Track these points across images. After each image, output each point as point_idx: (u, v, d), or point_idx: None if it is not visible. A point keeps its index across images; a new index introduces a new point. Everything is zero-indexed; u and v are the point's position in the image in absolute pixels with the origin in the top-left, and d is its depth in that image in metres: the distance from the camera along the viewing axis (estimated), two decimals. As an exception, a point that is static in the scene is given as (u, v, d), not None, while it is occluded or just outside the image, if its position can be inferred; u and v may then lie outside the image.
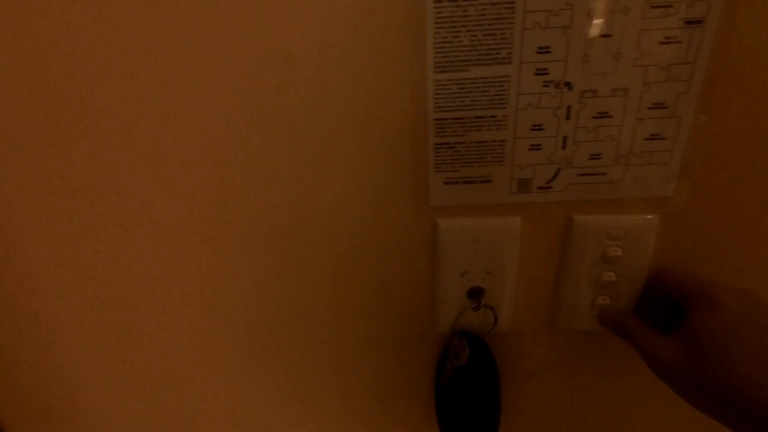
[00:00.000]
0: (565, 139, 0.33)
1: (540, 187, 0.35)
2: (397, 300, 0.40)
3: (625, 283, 0.37)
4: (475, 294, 0.37)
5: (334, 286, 0.40)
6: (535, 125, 0.32)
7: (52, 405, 0.48)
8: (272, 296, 0.40)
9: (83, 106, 0.33)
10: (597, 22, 0.29)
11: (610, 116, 0.32)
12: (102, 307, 0.41)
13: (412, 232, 0.37)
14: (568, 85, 0.31)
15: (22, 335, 0.43)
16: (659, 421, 0.44)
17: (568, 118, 0.32)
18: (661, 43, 0.30)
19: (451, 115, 0.32)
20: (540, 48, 0.30)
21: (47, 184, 0.36)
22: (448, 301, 0.38)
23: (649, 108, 0.32)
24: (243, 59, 0.31)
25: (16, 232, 0.38)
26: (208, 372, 0.44)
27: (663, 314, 0.36)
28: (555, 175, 0.34)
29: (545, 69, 0.31)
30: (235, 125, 0.33)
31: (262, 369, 0.44)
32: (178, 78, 0.32)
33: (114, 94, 0.33)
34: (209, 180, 0.35)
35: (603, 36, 0.30)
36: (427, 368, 0.42)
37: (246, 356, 0.43)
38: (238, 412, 0.47)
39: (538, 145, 0.33)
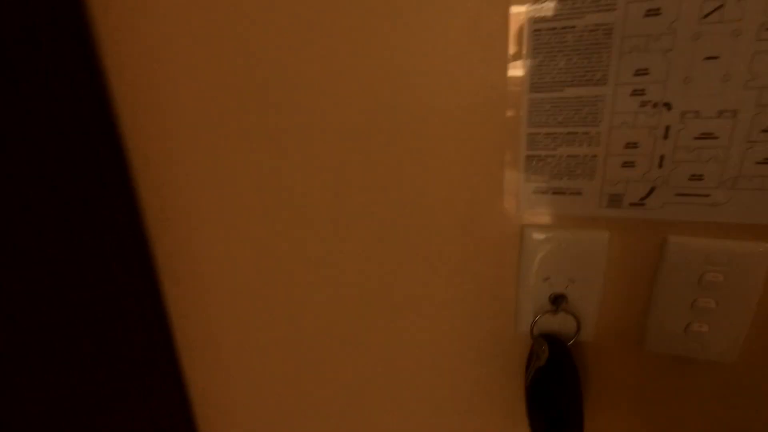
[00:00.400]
0: (662, 158, 0.33)
1: (632, 204, 0.35)
2: (483, 296, 0.44)
3: (727, 313, 0.35)
4: (558, 300, 0.39)
5: (429, 278, 0.45)
6: (629, 143, 0.34)
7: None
8: (376, 285, 0.47)
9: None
10: (703, 45, 0.29)
11: (715, 137, 0.31)
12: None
13: (502, 235, 0.41)
14: (668, 105, 0.32)
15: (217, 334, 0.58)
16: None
17: (666, 137, 0.33)
18: (780, 64, 0.29)
19: (543, 131, 0.35)
20: (638, 70, 0.31)
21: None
22: (529, 303, 0.41)
23: (764, 131, 0.30)
24: (368, 79, 0.39)
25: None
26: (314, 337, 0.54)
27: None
28: (649, 193, 0.34)
29: (642, 90, 0.32)
30: (360, 133, 0.41)
31: (359, 345, 0.51)
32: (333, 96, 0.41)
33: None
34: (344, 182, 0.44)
35: (709, 58, 0.30)
36: (505, 364, 0.45)
37: (348, 336, 0.51)
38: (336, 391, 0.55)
39: (632, 162, 0.34)
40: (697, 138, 0.32)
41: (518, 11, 0.33)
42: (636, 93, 0.32)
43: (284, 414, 0.61)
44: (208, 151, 0.47)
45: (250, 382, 0.61)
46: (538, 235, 0.38)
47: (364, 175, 0.43)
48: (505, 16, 0.33)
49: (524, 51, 0.33)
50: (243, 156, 0.46)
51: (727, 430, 0.40)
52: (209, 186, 0.49)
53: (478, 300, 0.44)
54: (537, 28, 0.32)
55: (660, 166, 0.33)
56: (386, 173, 0.42)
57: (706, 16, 0.29)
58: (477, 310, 0.44)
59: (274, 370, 0.58)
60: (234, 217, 0.50)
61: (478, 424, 0.51)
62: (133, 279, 0.53)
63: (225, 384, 0.62)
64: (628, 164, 0.34)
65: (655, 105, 0.32)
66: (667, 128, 0.32)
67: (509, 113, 0.36)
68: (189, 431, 0.66)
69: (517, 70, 0.34)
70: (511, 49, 0.34)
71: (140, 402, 0.59)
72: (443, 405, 0.51)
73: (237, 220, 0.50)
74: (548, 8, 0.32)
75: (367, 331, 0.50)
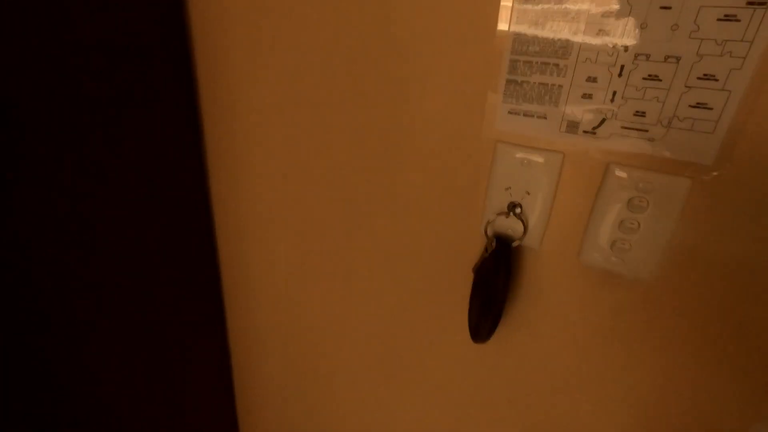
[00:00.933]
0: (614, 93, 0.39)
1: (585, 131, 0.42)
2: (458, 200, 0.53)
3: (646, 235, 0.43)
4: (512, 207, 0.48)
5: (416, 180, 0.54)
6: (590, 77, 0.40)
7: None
8: (375, 180, 0.57)
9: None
10: (661, -5, 0.35)
11: (659, 80, 0.37)
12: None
13: (479, 149, 0.48)
14: (625, 47, 0.37)
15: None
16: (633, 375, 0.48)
17: (620, 75, 0.39)
18: (720, 20, 0.34)
19: (523, 59, 0.42)
20: (605, 12, 0.37)
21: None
22: (492, 208, 0.49)
23: (699, 78, 0.36)
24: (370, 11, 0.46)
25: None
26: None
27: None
28: (600, 123, 0.41)
29: (607, 31, 0.38)
30: (370, 61, 0.49)
31: (349, 231, 0.62)
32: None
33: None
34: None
35: (663, 8, 0.35)
36: (470, 258, 0.55)
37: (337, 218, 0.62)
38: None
39: (590, 95, 0.40)
40: (645, 78, 0.38)
41: (515, -52, 0.38)
42: (601, 33, 0.38)
43: (296, 273, 0.74)
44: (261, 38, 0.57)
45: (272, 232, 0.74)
46: (506, 150, 0.46)
47: (375, 94, 0.51)
48: (504, -48, 0.39)
49: (516, -15, 0.40)
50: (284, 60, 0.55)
51: (638, 342, 0.49)
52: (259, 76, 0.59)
53: (455, 203, 0.53)
54: (529, -35, 0.38)
55: (612, 100, 0.40)
56: (391, 92, 0.50)
57: (667, -31, 0.34)
58: (453, 210, 0.53)
59: (290, 236, 0.71)
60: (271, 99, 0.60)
61: (440, 299, 0.61)
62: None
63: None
64: (586, 96, 0.41)
65: (614, 45, 0.38)
66: (622, 67, 0.38)
67: (496, 42, 0.43)
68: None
69: (507, 5, 0.41)
70: (506, -18, 0.40)
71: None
72: (417, 283, 0.62)
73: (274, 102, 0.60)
74: (540, -52, 0.37)
75: (365, 216, 0.61)
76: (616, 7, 0.37)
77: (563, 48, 0.40)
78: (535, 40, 0.41)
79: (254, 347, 0.89)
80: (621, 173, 0.42)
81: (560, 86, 0.41)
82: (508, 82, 0.44)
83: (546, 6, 0.39)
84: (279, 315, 0.80)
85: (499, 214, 0.48)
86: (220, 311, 0.86)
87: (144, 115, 0.59)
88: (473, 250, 0.54)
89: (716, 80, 0.35)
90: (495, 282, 0.49)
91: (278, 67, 0.57)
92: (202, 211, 0.74)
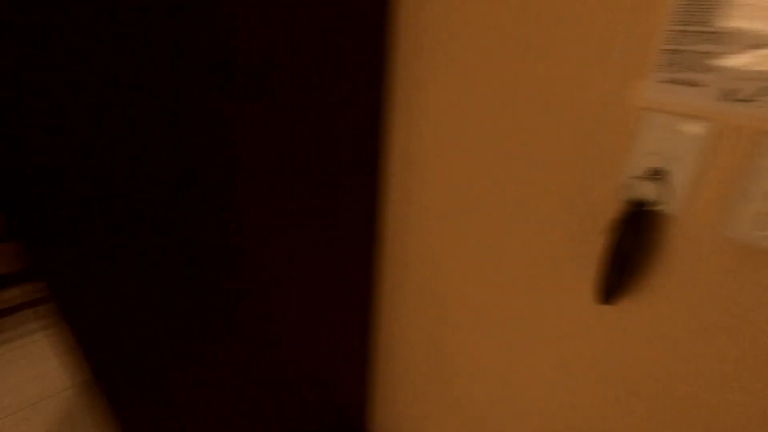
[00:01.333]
0: (779, 60, 0.39)
1: (742, 99, 0.42)
2: (599, 162, 0.57)
3: (806, 210, 0.41)
4: (655, 172, 0.50)
5: (558, 139, 0.60)
6: (753, 45, 0.40)
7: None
8: (518, 144, 0.64)
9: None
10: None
11: (835, 44, 0.36)
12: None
13: (628, 111, 0.52)
14: (795, 12, 0.37)
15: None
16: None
17: (787, 41, 0.39)
18: None
19: (680, 28, 0.44)
20: (776, -22, 0.38)
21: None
22: (630, 171, 0.52)
23: None
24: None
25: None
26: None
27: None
28: (761, 91, 0.41)
29: (776, -4, 0.38)
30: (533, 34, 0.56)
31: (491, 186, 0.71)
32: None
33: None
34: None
35: None
36: (602, 217, 0.58)
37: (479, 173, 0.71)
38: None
39: (752, 62, 0.41)
40: (817, 44, 0.37)
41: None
42: (769, -1, 0.39)
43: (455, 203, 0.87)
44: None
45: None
46: (655, 118, 0.49)
47: (526, 46, 0.59)
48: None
49: (679, -41, 0.42)
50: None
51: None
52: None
53: (592, 165, 0.57)
54: (695, -61, 0.41)
55: (776, 67, 0.40)
56: (544, 55, 0.57)
57: None
58: (590, 172, 0.58)
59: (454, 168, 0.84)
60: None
61: (569, 258, 0.66)
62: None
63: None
64: (746, 64, 0.41)
65: (783, 11, 0.38)
66: (791, 33, 0.38)
67: (656, 11, 0.46)
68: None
69: (670, -24, 0.44)
70: (670, -43, 0.43)
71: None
72: (548, 244, 0.68)
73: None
74: None
75: (503, 172, 0.69)
76: (789, -28, 0.37)
77: (726, 13, 0.41)
78: (697, 7, 0.43)
79: (396, 286, 1.05)
80: (780, 143, 0.41)
81: (719, 54, 0.43)
82: (663, 51, 0.46)
83: (710, -23, 0.41)
84: (422, 262, 0.94)
85: (638, 178, 0.51)
86: (374, 244, 1.04)
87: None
88: (606, 213, 0.57)
89: None
90: (627, 245, 0.52)
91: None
92: (376, 141, 0.91)
